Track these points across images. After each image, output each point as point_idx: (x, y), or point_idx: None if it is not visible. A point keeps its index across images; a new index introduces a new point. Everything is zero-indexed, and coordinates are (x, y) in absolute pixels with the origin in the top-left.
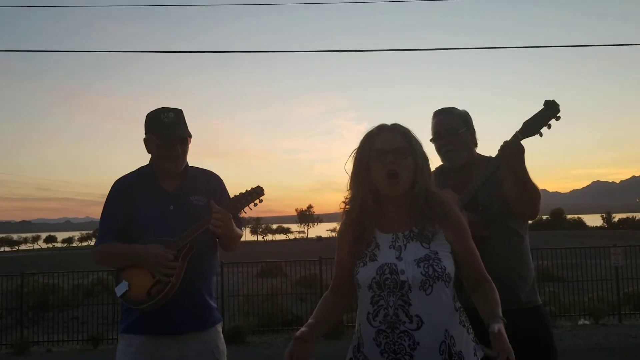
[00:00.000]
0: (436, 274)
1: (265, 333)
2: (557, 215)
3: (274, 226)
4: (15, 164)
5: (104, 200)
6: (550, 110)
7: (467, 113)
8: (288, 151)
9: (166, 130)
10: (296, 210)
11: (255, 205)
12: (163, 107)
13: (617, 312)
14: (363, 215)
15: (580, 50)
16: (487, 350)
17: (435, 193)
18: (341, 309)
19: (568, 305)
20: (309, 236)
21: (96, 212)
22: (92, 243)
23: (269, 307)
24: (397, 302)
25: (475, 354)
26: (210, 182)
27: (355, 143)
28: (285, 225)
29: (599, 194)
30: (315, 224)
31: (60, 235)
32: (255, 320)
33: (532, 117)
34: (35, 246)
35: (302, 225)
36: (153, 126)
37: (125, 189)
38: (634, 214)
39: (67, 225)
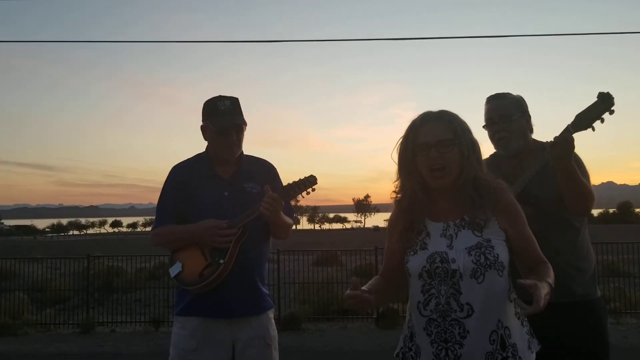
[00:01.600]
0: (488, 262)
1: (320, 321)
2: (625, 209)
3: (331, 215)
4: (84, 152)
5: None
6: (604, 104)
7: (522, 98)
8: (346, 140)
9: (222, 117)
10: (353, 199)
11: (308, 193)
12: (220, 96)
13: None
14: (413, 204)
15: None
16: (523, 304)
17: (485, 180)
18: (391, 291)
19: (634, 301)
20: (365, 226)
21: (157, 199)
22: None
23: (325, 296)
24: (449, 291)
25: (529, 347)
26: (265, 170)
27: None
28: (342, 215)
29: None
30: (372, 213)
31: (125, 220)
32: (311, 307)
33: (584, 110)
34: (102, 230)
35: (359, 214)
36: (210, 114)
37: (182, 175)
38: None
39: (131, 210)
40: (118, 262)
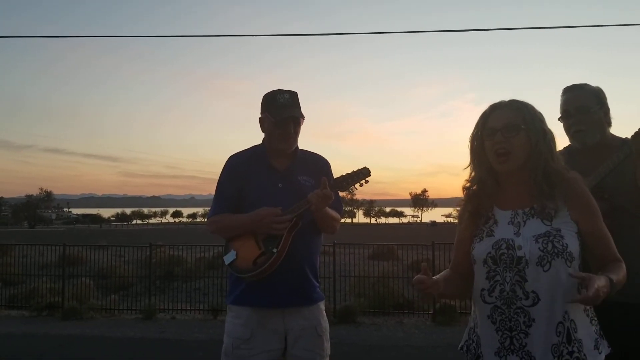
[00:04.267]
0: (556, 250)
1: (375, 315)
2: None
3: (387, 209)
4: (147, 143)
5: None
6: None
7: (601, 90)
8: (404, 133)
9: (281, 110)
10: (410, 194)
11: (361, 185)
12: (279, 89)
13: None
14: (482, 192)
15: None
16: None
17: (557, 170)
18: (459, 285)
19: None
20: (422, 220)
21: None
22: None
23: (380, 289)
24: (514, 278)
25: (596, 347)
26: (318, 164)
27: (473, 126)
28: (398, 209)
29: None
30: (430, 208)
31: (186, 211)
32: (366, 301)
33: None
34: (163, 220)
35: (416, 209)
36: (269, 106)
37: (238, 165)
38: None
39: (191, 201)
40: (178, 251)
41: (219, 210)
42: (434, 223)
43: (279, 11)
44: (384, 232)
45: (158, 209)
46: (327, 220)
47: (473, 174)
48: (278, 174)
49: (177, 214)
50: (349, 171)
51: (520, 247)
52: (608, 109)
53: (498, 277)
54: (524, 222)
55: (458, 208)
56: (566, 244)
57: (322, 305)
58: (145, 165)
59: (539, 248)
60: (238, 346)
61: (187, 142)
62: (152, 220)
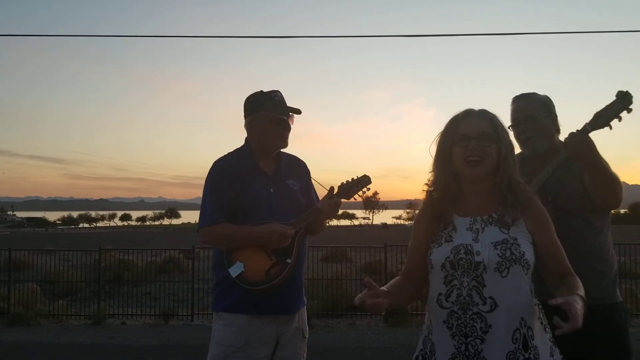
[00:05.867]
0: (514, 257)
1: (329, 317)
2: (637, 209)
3: (339, 212)
4: (94, 145)
5: (204, 181)
6: (622, 102)
7: (549, 98)
8: (355, 136)
9: (280, 106)
10: (360, 196)
11: (364, 193)
12: (262, 91)
13: None
14: (444, 198)
15: None
16: (558, 320)
17: (519, 182)
18: (410, 292)
19: (624, 302)
20: (373, 222)
21: (168, 193)
22: (164, 222)
23: (333, 292)
24: (471, 283)
25: (551, 355)
26: (300, 167)
27: (422, 129)
28: (350, 211)
29: None
30: (381, 210)
31: (135, 214)
32: (320, 303)
33: (603, 109)
34: (112, 223)
35: (367, 211)
36: (265, 104)
37: (228, 171)
38: None
39: (141, 204)
40: (128, 256)
41: (217, 220)
42: (384, 225)
43: (230, 12)
44: (336, 234)
45: (106, 212)
46: (324, 226)
47: (437, 178)
48: (268, 178)
49: (125, 217)
50: (349, 179)
51: (478, 253)
52: (556, 117)
53: (455, 282)
54: (482, 229)
55: (408, 210)
56: (523, 251)
57: (305, 307)
58: (92, 167)
59: (498, 254)
60: (230, 354)
61: (137, 144)
62: (100, 224)
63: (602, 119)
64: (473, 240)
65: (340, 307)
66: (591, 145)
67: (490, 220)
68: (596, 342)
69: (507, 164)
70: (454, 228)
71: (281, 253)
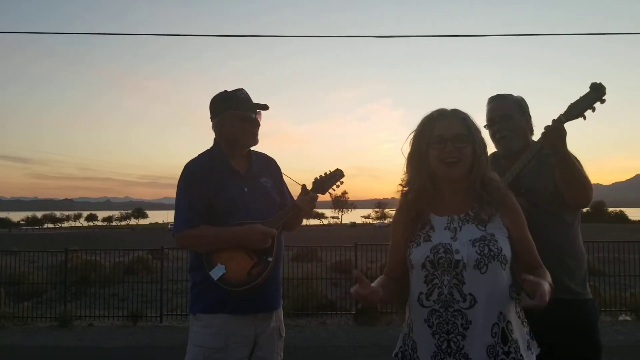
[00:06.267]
0: (492, 254)
1: (299, 316)
2: (599, 208)
3: None
4: (59, 144)
5: (177, 182)
6: (595, 93)
7: (523, 99)
8: (324, 136)
9: (247, 103)
10: (330, 195)
11: (338, 187)
12: (226, 91)
13: None
14: (420, 198)
15: (627, 39)
16: (526, 298)
17: (492, 179)
18: (395, 288)
19: (609, 300)
20: (342, 222)
21: (135, 192)
22: (131, 222)
23: (304, 291)
24: (452, 281)
25: (529, 348)
26: (271, 164)
27: (390, 129)
28: (319, 211)
29: None
30: (349, 209)
31: (101, 214)
32: (290, 303)
33: (577, 100)
34: (77, 224)
35: (336, 210)
36: (231, 103)
37: (201, 172)
38: None
39: (107, 204)
40: (94, 256)
41: (194, 223)
42: (353, 224)
43: (199, 11)
44: (305, 233)
45: (71, 212)
46: (300, 222)
47: (413, 179)
48: (241, 177)
49: (91, 218)
50: (322, 174)
51: (457, 251)
52: (530, 117)
53: (436, 281)
54: (460, 227)
55: (377, 210)
56: (500, 247)
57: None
58: (57, 166)
59: (476, 251)
60: (209, 356)
61: (104, 143)
62: (65, 224)
63: (576, 109)
64: (451, 239)
65: (311, 307)
66: (564, 135)
67: (467, 218)
68: (569, 337)
69: (481, 163)
70: (431, 227)
71: (261, 252)
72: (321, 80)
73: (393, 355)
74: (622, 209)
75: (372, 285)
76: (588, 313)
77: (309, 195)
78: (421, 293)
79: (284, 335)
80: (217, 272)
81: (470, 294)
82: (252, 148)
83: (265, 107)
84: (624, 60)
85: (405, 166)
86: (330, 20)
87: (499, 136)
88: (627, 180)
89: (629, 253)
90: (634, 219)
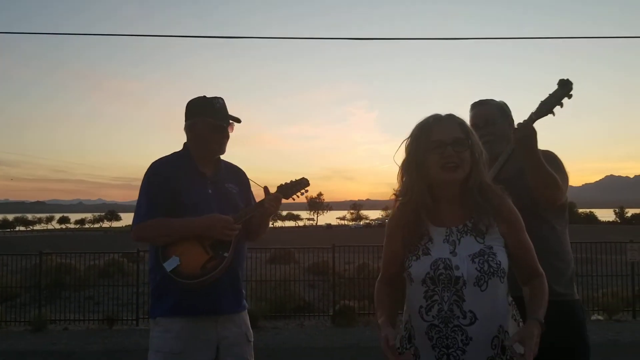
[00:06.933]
0: (491, 270)
1: (277, 318)
2: (569, 209)
3: (284, 213)
4: (31, 146)
5: (140, 181)
6: (563, 89)
7: (505, 104)
8: (300, 138)
9: (220, 113)
10: (306, 197)
11: (302, 194)
12: (205, 96)
13: (632, 309)
14: (420, 206)
15: (596, 42)
16: (510, 343)
17: (490, 185)
18: (397, 297)
19: (581, 300)
20: (318, 223)
21: (108, 195)
22: (104, 225)
23: (281, 293)
24: (452, 298)
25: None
26: (239, 173)
27: (365, 131)
28: (295, 212)
29: (612, 189)
30: (325, 211)
31: (73, 217)
32: (267, 305)
33: (547, 97)
34: (49, 226)
35: (312, 212)
36: (206, 110)
37: (166, 170)
38: None
39: (79, 206)
40: (68, 259)
41: (151, 215)
42: (329, 226)
43: (173, 12)
44: (281, 235)
45: (43, 215)
46: (266, 227)
47: (409, 187)
48: (207, 179)
49: (64, 220)
50: (288, 181)
51: (457, 268)
52: (512, 121)
53: (436, 297)
54: (459, 240)
55: (352, 211)
56: (499, 261)
57: (247, 311)
58: (28, 168)
59: (476, 268)
60: None
61: (76, 145)
62: (37, 227)
63: (546, 106)
64: (451, 253)
65: (288, 308)
66: (534, 134)
67: (466, 229)
68: (558, 337)
69: (479, 169)
70: (430, 239)
71: (218, 247)
72: (297, 82)
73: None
74: (592, 210)
75: (390, 328)
76: (575, 313)
77: (273, 194)
78: (421, 307)
79: (252, 340)
80: (171, 264)
81: (471, 311)
82: (223, 157)
83: (238, 120)
84: (597, 62)
85: (399, 174)
86: (306, 23)
87: (483, 141)
88: (596, 181)
89: (600, 253)
90: (604, 220)
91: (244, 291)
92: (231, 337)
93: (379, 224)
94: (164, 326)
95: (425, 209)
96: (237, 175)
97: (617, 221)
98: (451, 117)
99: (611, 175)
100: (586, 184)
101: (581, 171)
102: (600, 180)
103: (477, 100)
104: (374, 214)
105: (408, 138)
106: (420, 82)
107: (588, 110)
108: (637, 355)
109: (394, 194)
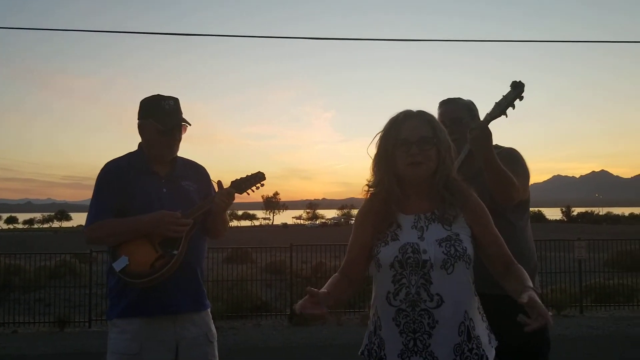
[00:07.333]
0: (458, 254)
1: (234, 318)
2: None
3: (240, 212)
4: None
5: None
6: (515, 91)
7: (472, 103)
8: (256, 137)
9: (168, 117)
10: (262, 196)
11: (257, 188)
12: (160, 95)
13: (579, 304)
14: (389, 197)
15: (541, 46)
16: (525, 318)
17: (456, 180)
18: (350, 288)
19: (542, 294)
20: (274, 223)
21: (57, 194)
22: (54, 225)
23: (237, 293)
24: (419, 281)
25: (490, 342)
26: (198, 170)
27: (322, 130)
28: (250, 212)
29: (559, 188)
30: (281, 210)
31: (21, 217)
32: (224, 305)
33: (500, 99)
34: None
35: (268, 211)
36: (154, 112)
37: (118, 171)
38: (592, 209)
39: (28, 206)
40: (17, 260)
41: (101, 217)
42: (285, 225)
43: (126, 7)
44: (237, 235)
45: None
46: (224, 224)
47: (380, 180)
48: (161, 179)
49: (11, 220)
50: (243, 176)
51: (425, 251)
52: (479, 120)
53: (404, 281)
54: (427, 226)
55: (308, 211)
56: (465, 247)
57: (209, 311)
58: None
59: (443, 252)
60: None
61: (24, 143)
62: None
63: (500, 107)
64: (419, 238)
65: (245, 308)
66: (488, 134)
67: (433, 217)
68: (520, 331)
69: (445, 164)
70: (399, 226)
71: (168, 245)
72: (253, 81)
73: (359, 353)
74: (540, 209)
75: (323, 290)
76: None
77: (225, 189)
78: (389, 292)
79: (213, 340)
80: (120, 264)
81: (438, 294)
82: (180, 154)
83: (187, 124)
84: (543, 66)
85: (371, 167)
86: (263, 20)
87: (451, 139)
88: (544, 181)
89: (548, 251)
90: (551, 219)
91: (204, 290)
92: (190, 337)
93: (335, 223)
94: (121, 327)
95: (395, 199)
96: (196, 172)
97: (563, 220)
98: (421, 114)
99: (558, 175)
100: (534, 183)
101: (535, 171)
102: (547, 180)
103: (445, 98)
104: (329, 214)
105: (381, 132)
106: (377, 83)
107: (536, 113)
108: (583, 349)
109: (367, 185)
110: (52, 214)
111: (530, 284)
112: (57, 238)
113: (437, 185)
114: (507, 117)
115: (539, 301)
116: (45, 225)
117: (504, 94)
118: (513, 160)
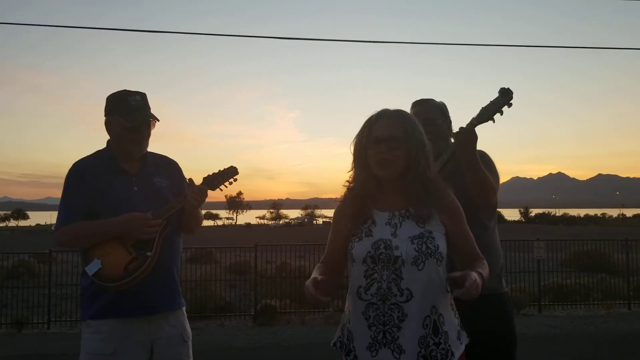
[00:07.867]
0: (429, 251)
1: (197, 319)
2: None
3: (202, 212)
4: None
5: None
6: (503, 98)
7: (444, 104)
8: (221, 136)
9: (135, 113)
10: (225, 196)
11: (231, 184)
12: (126, 90)
13: (537, 303)
14: (364, 193)
15: (505, 50)
16: (456, 289)
17: (432, 179)
18: (333, 280)
19: (509, 293)
20: (237, 222)
21: (14, 192)
22: (10, 224)
23: (200, 293)
24: (391, 276)
25: (459, 338)
26: (170, 165)
27: (286, 130)
28: (213, 211)
29: (517, 190)
30: (245, 210)
31: None
32: (187, 306)
33: (488, 104)
34: None
35: (231, 211)
36: (120, 109)
37: (87, 171)
38: (549, 210)
39: None
40: None
41: (71, 219)
42: (248, 225)
43: (92, 4)
44: (200, 235)
45: None
46: (197, 220)
47: (357, 176)
48: (132, 177)
49: None
50: (215, 171)
51: (397, 248)
52: (451, 122)
53: (376, 275)
54: (400, 223)
55: (272, 210)
56: (437, 245)
57: (184, 310)
58: None
59: (414, 249)
60: None
61: None
62: None
63: (487, 112)
64: (392, 235)
65: (209, 309)
66: (475, 138)
67: (408, 214)
68: (489, 328)
69: (417, 164)
70: (373, 222)
71: (141, 247)
72: (217, 80)
73: (331, 344)
74: (499, 209)
75: (322, 278)
76: (504, 305)
77: (197, 186)
78: (360, 286)
79: (188, 340)
80: (92, 268)
81: (407, 289)
82: (150, 150)
83: (155, 119)
84: (504, 68)
85: (351, 164)
86: (228, 20)
87: None
88: (503, 183)
89: (508, 251)
90: (510, 219)
91: (180, 288)
92: (165, 337)
93: (299, 223)
94: (95, 327)
95: (370, 196)
96: (167, 168)
97: (522, 220)
98: (396, 114)
99: (517, 177)
100: None
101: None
102: (506, 181)
103: (417, 99)
104: (293, 213)
105: (359, 131)
106: (341, 84)
107: (496, 115)
108: (542, 347)
109: (347, 181)
110: (9, 212)
111: (484, 272)
112: (15, 237)
113: (412, 184)
114: (494, 122)
115: (473, 276)
116: (2, 224)
117: (492, 100)
118: (486, 163)
